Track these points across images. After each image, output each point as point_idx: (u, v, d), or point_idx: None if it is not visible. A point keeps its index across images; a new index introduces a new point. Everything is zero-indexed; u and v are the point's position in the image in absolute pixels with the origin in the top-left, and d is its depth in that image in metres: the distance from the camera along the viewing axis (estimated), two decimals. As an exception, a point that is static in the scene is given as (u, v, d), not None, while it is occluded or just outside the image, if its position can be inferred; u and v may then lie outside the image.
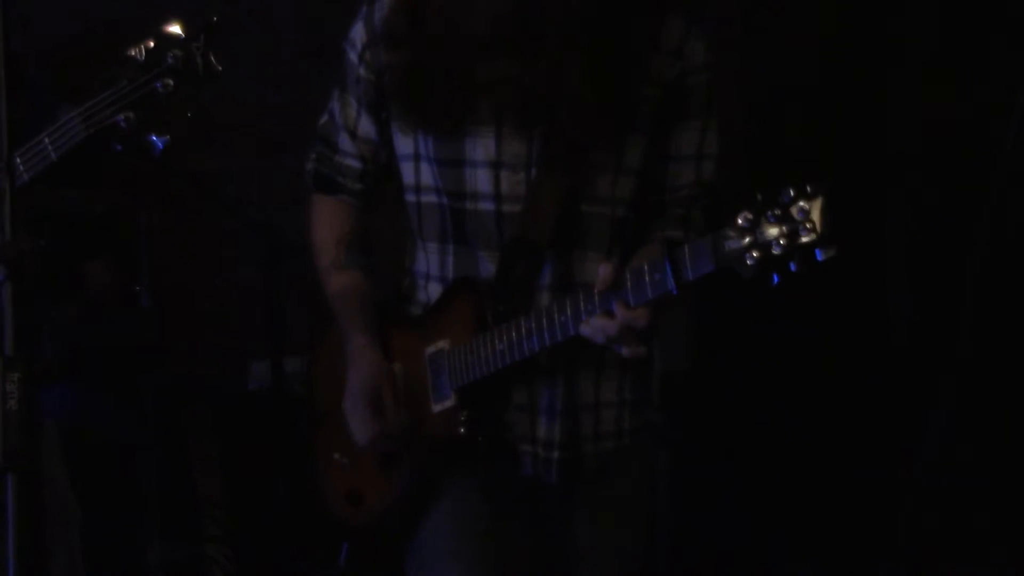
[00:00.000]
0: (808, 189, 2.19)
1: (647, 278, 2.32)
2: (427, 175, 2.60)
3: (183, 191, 3.90)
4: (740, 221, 2.23)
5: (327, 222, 2.76)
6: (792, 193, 2.19)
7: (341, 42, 2.68)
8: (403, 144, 2.63)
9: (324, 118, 2.73)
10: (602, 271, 2.37)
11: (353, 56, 2.64)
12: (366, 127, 2.68)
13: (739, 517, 4.00)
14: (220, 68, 2.37)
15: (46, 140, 2.41)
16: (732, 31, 4.12)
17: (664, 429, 2.77)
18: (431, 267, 2.66)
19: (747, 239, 2.23)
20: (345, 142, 2.70)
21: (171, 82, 2.32)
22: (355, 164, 2.70)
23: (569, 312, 2.43)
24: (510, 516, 2.63)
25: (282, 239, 3.73)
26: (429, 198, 2.62)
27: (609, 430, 2.62)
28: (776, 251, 2.19)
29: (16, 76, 2.31)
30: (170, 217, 4.07)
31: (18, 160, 2.39)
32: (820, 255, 2.18)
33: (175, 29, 2.33)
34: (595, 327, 2.37)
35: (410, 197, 2.63)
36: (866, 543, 3.90)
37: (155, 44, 2.35)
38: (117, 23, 2.56)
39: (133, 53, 2.33)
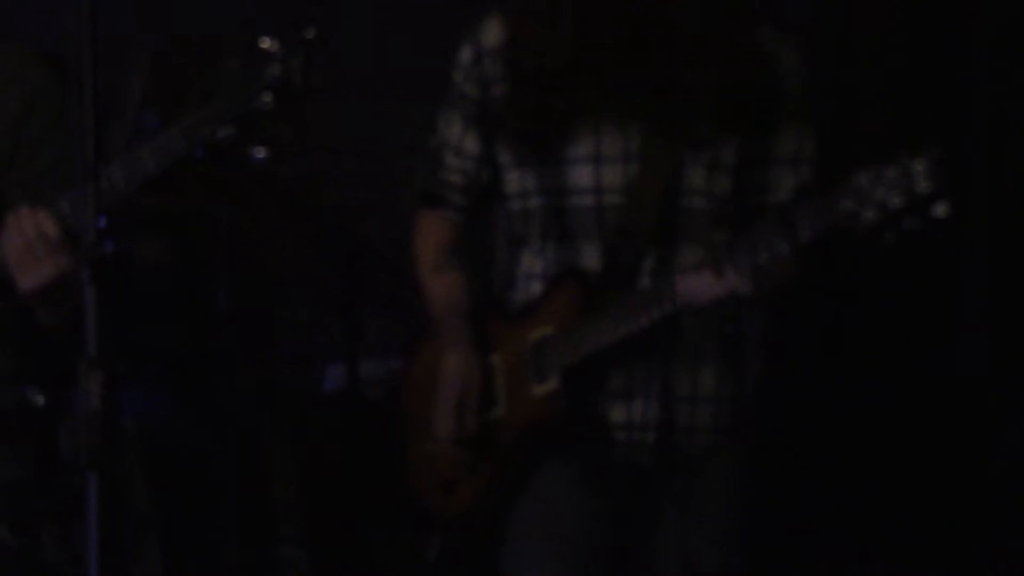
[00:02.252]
0: (922, 150, 2.21)
1: (761, 239, 2.33)
2: (531, 179, 2.64)
3: (262, 195, 3.88)
4: (857, 179, 2.23)
5: (431, 233, 2.78)
6: (907, 154, 2.21)
7: (444, 66, 2.73)
8: (507, 154, 2.68)
9: (431, 139, 2.75)
10: (717, 240, 2.49)
11: (459, 76, 2.69)
12: (470, 144, 2.72)
13: (812, 523, 3.84)
14: (317, 86, 2.33)
15: (146, 153, 2.34)
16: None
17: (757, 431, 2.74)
18: (535, 266, 2.69)
19: (862, 197, 2.24)
20: (451, 159, 2.74)
21: (270, 99, 2.28)
22: (459, 180, 2.74)
23: (676, 281, 2.46)
24: (598, 501, 2.62)
25: (359, 244, 3.71)
26: (533, 201, 2.65)
27: (706, 422, 2.62)
28: (892, 206, 2.20)
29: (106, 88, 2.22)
30: (249, 221, 4.03)
31: (118, 172, 2.35)
32: (936, 211, 2.18)
33: (273, 45, 2.29)
34: (703, 284, 2.39)
35: (516, 204, 2.68)
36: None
37: (254, 60, 2.32)
38: (215, 36, 2.55)
39: (232, 68, 2.32)
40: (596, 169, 2.58)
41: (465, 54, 2.67)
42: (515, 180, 2.65)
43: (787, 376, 3.48)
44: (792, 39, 2.60)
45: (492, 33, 2.66)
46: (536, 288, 2.65)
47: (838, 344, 3.84)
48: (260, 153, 2.32)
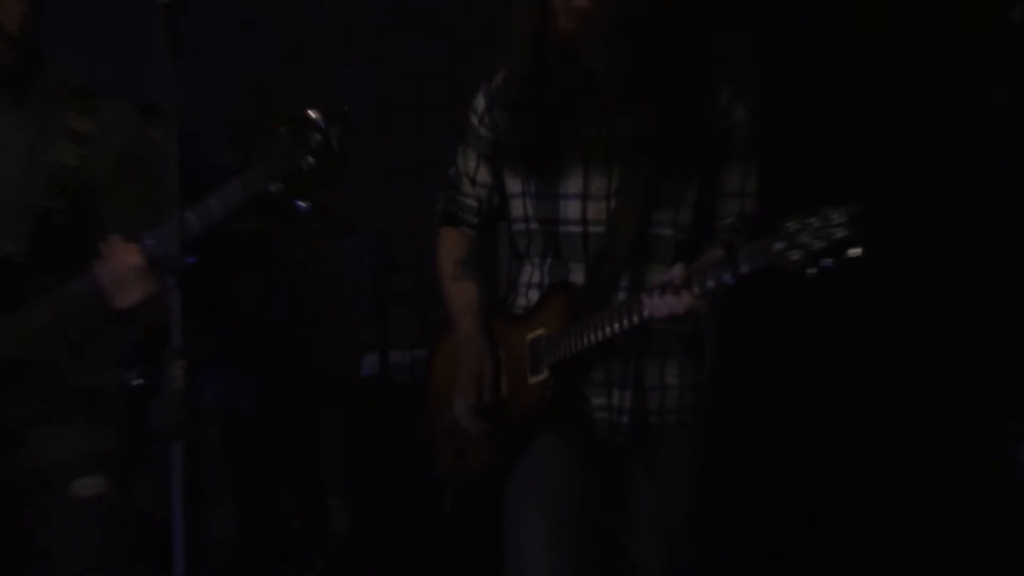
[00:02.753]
0: (841, 205, 2.23)
1: (710, 273, 2.36)
2: (531, 207, 2.66)
3: (312, 219, 3.70)
4: (787, 226, 2.26)
5: (450, 247, 2.82)
6: (829, 207, 2.24)
7: (466, 111, 2.74)
8: (513, 185, 2.68)
9: (451, 170, 2.78)
10: (675, 270, 2.42)
11: (475, 120, 2.72)
12: (483, 175, 2.74)
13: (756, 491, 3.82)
14: (350, 152, 2.29)
15: (214, 202, 2.36)
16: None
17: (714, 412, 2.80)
18: (533, 278, 2.70)
19: (792, 241, 2.27)
20: (467, 187, 2.76)
21: (312, 160, 2.28)
22: (473, 204, 2.77)
23: (643, 299, 2.46)
24: (585, 471, 2.64)
25: (388, 258, 3.71)
26: (533, 225, 2.66)
27: (672, 405, 2.65)
28: (815, 247, 2.22)
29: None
30: (301, 239, 4.06)
31: (192, 217, 2.36)
32: (850, 252, 2.21)
33: (316, 115, 2.29)
34: (665, 305, 2.41)
35: (519, 226, 2.70)
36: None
37: (300, 127, 2.31)
38: (268, 105, 2.57)
39: (283, 133, 2.31)
40: (583, 204, 2.59)
41: (480, 102, 2.70)
42: (518, 207, 2.67)
43: (739, 366, 3.49)
44: (744, 98, 2.61)
45: (499, 83, 2.68)
46: (533, 296, 2.69)
47: (776, 343, 3.80)
48: (304, 204, 2.31)
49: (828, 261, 2.23)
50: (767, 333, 3.71)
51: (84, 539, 2.61)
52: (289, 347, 4.00)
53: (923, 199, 3.66)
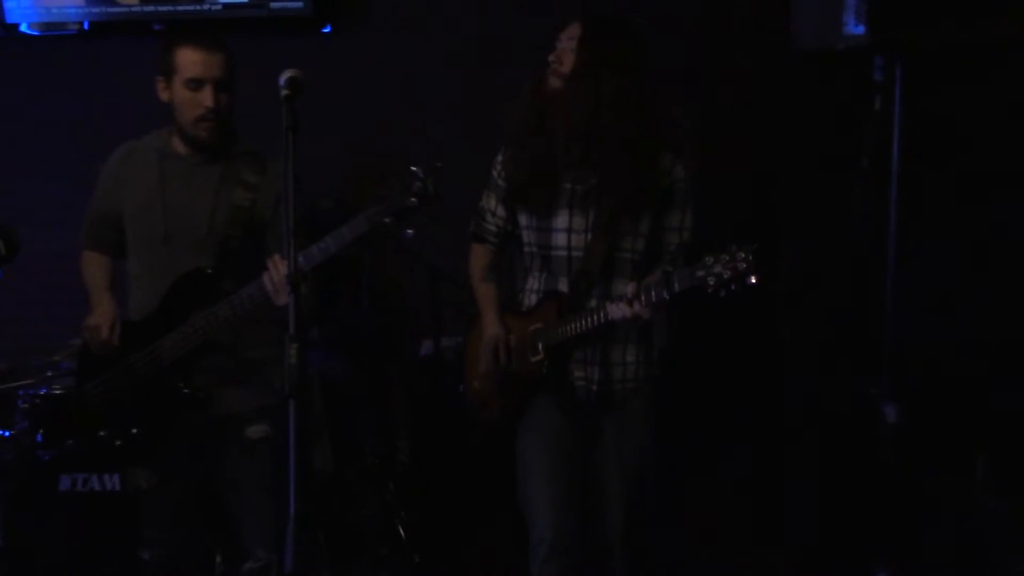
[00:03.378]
0: (744, 244, 2.36)
1: (653, 290, 2.48)
2: (532, 236, 2.74)
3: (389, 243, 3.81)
4: (705, 260, 2.39)
5: (478, 259, 2.89)
6: (735, 247, 2.36)
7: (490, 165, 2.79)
8: (521, 220, 2.76)
9: (481, 203, 2.82)
10: (629, 287, 2.52)
11: (495, 172, 2.78)
12: (500, 211, 2.81)
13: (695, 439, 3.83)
14: (439, 194, 2.43)
15: (345, 230, 2.46)
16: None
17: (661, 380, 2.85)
18: (533, 286, 2.78)
19: (708, 270, 2.37)
20: (489, 217, 2.83)
21: (415, 200, 2.41)
22: (493, 229, 2.83)
23: (607, 306, 2.56)
24: (570, 421, 2.74)
25: (439, 270, 3.68)
26: (533, 249, 2.75)
27: (630, 376, 2.74)
28: (725, 276, 2.35)
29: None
30: (377, 255, 4.02)
31: (330, 241, 2.49)
32: (751, 281, 2.34)
33: (418, 170, 2.41)
34: (621, 311, 2.51)
35: (525, 249, 2.78)
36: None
37: (408, 177, 2.42)
38: (387, 163, 2.59)
39: (394, 182, 2.43)
40: (568, 236, 2.69)
41: (498, 160, 2.78)
42: (524, 235, 2.78)
43: (679, 347, 3.55)
44: (683, 159, 2.67)
45: (506, 141, 2.76)
46: (534, 299, 2.79)
47: (706, 331, 3.76)
48: (409, 232, 2.44)
49: (733, 286, 2.36)
50: (699, 323, 3.63)
51: (254, 469, 2.73)
52: (371, 334, 3.97)
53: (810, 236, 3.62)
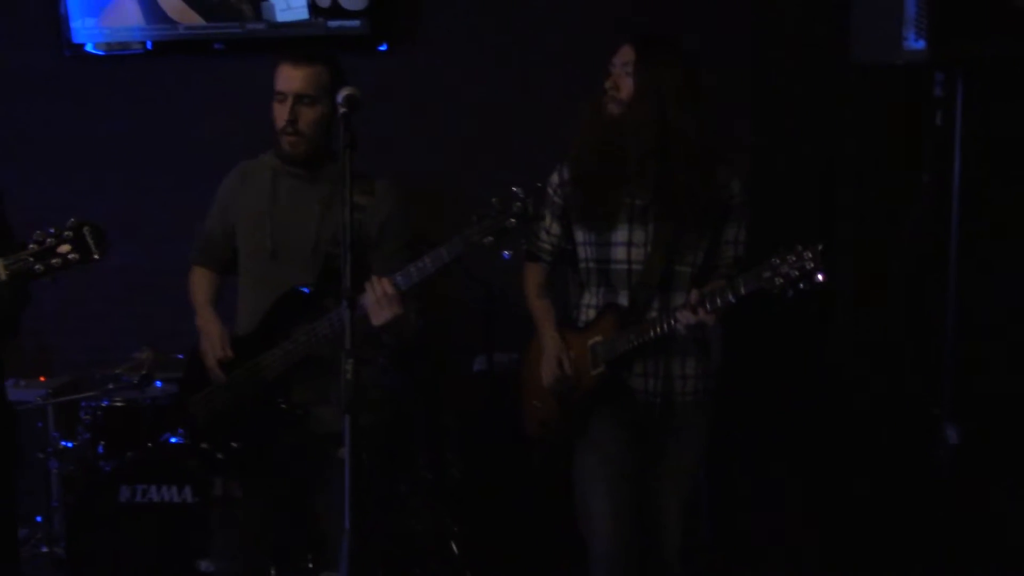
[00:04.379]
0: (809, 244, 2.36)
1: (718, 296, 2.47)
2: (591, 252, 2.74)
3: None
4: (771, 261, 2.39)
5: (533, 276, 2.90)
6: (801, 246, 2.36)
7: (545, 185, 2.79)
8: (578, 236, 2.77)
9: (535, 223, 2.80)
10: (692, 294, 2.51)
11: (550, 190, 2.79)
12: (555, 228, 2.82)
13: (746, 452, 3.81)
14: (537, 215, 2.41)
15: (443, 251, 2.46)
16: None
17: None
18: (591, 300, 2.78)
19: (775, 271, 2.37)
20: (543, 235, 2.84)
21: (514, 221, 2.38)
22: (547, 247, 2.85)
23: (668, 315, 2.58)
24: (629, 436, 2.75)
25: (492, 286, 3.72)
26: (591, 264, 2.75)
27: (690, 389, 2.74)
28: (793, 275, 2.35)
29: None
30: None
31: (428, 261, 2.48)
32: (819, 278, 2.33)
33: (518, 191, 2.38)
34: (686, 318, 2.50)
35: (582, 265, 2.78)
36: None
37: (506, 198, 2.39)
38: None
39: (495, 203, 2.39)
40: (628, 250, 2.70)
41: (554, 177, 2.79)
42: (582, 251, 2.78)
43: (735, 361, 3.54)
44: (739, 174, 2.70)
45: (567, 166, 2.76)
46: (591, 314, 2.79)
47: (762, 346, 3.80)
48: (508, 254, 2.41)
49: (801, 284, 2.36)
50: (755, 338, 3.66)
51: (340, 491, 2.56)
52: (425, 349, 3.90)
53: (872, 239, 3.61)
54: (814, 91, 3.80)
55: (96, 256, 2.20)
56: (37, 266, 2.19)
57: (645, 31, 2.70)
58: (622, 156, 2.63)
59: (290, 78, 2.71)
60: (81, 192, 4.36)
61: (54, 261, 2.19)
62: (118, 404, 3.71)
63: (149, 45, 4.27)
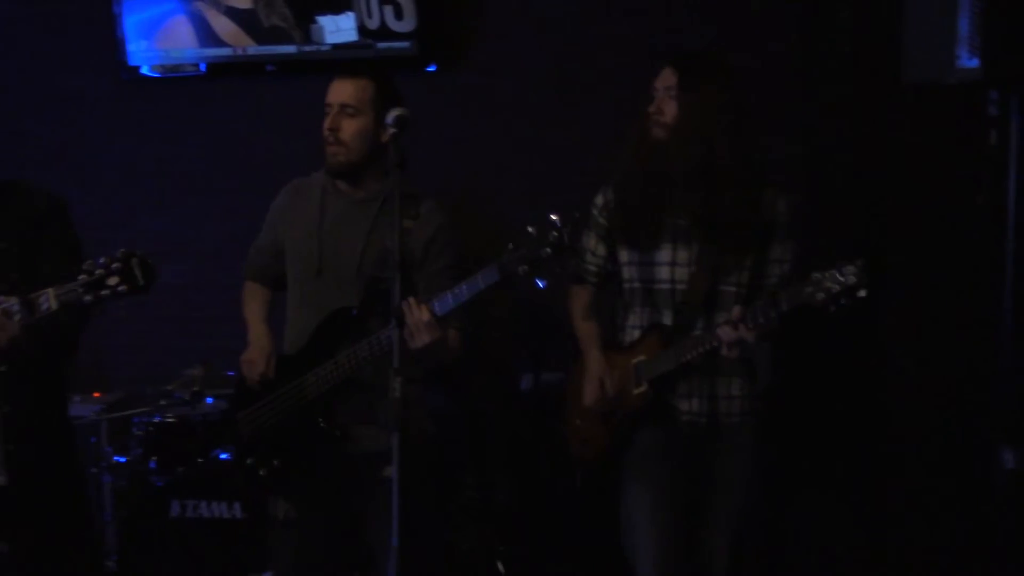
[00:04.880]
0: (851, 259, 2.38)
1: (759, 312, 2.49)
2: (635, 272, 2.76)
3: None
4: (813, 277, 2.40)
5: (578, 299, 2.92)
6: (843, 261, 2.38)
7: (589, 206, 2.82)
8: (622, 256, 2.79)
9: (579, 243, 2.77)
10: (735, 310, 2.52)
11: (595, 211, 2.81)
12: (600, 249, 2.84)
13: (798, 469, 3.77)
14: (574, 246, 2.38)
15: (479, 278, 2.45)
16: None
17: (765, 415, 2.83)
18: (635, 320, 2.79)
19: (817, 286, 2.39)
20: (589, 257, 2.86)
21: (549, 251, 2.35)
22: (593, 268, 2.86)
23: (711, 334, 2.58)
24: (674, 455, 2.75)
25: (539, 305, 3.66)
26: (636, 284, 2.77)
27: (736, 410, 2.73)
28: (835, 290, 2.36)
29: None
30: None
31: (464, 287, 2.48)
32: (861, 293, 2.34)
33: (554, 220, 2.36)
34: (727, 334, 2.51)
35: (626, 285, 2.80)
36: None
37: (543, 227, 2.37)
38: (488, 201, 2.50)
39: (531, 230, 2.38)
40: (672, 269, 2.71)
41: (599, 199, 2.81)
42: (626, 271, 2.80)
43: (785, 381, 3.48)
44: (783, 193, 2.69)
45: (611, 188, 2.77)
46: (635, 334, 2.80)
47: (811, 365, 3.76)
48: (543, 283, 2.40)
49: (843, 300, 2.36)
50: (804, 360, 3.65)
51: (386, 510, 2.49)
52: (471, 368, 3.68)
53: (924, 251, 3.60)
54: (864, 111, 3.78)
55: (143, 287, 2.22)
56: (86, 297, 2.22)
57: (688, 51, 2.71)
58: (666, 178, 2.64)
59: (335, 90, 2.77)
60: (138, 212, 4.43)
61: (103, 292, 2.21)
62: (170, 420, 3.76)
63: (203, 67, 4.35)
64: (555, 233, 2.35)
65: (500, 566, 3.66)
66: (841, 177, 3.85)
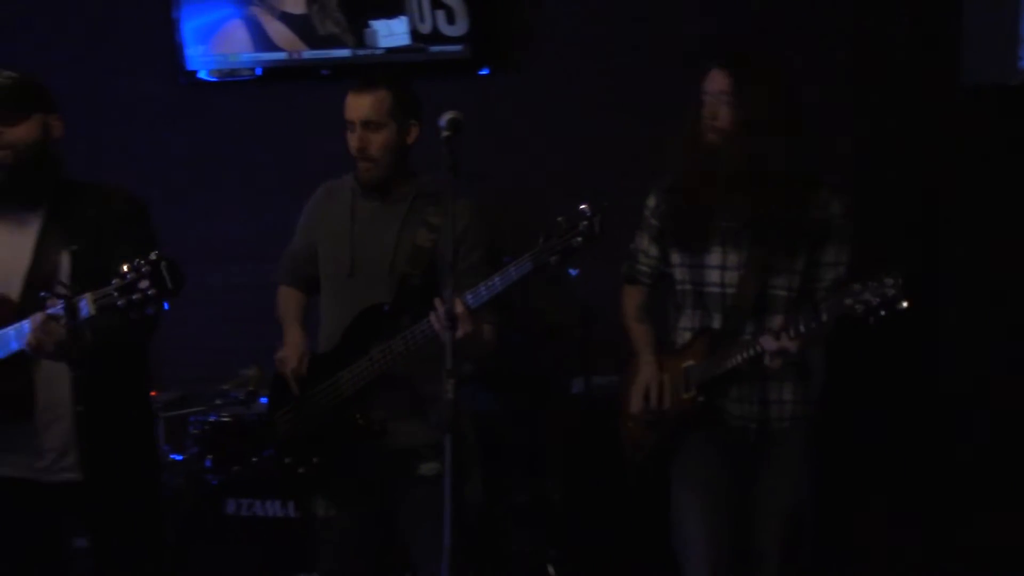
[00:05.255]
0: (892, 271, 2.34)
1: (801, 322, 2.48)
2: (686, 274, 2.76)
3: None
4: (853, 288, 2.38)
5: (631, 299, 2.93)
6: (883, 273, 2.35)
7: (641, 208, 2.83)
8: (674, 258, 2.79)
9: (632, 246, 2.87)
10: (776, 320, 2.56)
11: (647, 213, 2.82)
12: (653, 251, 2.85)
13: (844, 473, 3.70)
14: (603, 234, 2.39)
15: (512, 269, 2.47)
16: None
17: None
18: (686, 322, 2.79)
19: (856, 297, 2.36)
20: (642, 258, 2.87)
21: (580, 240, 2.37)
22: (646, 269, 2.87)
23: (759, 339, 2.57)
24: (725, 462, 2.74)
25: (592, 307, 3.68)
26: (687, 287, 2.76)
27: (787, 415, 2.72)
28: (874, 303, 2.34)
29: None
30: (529, 292, 3.91)
31: (498, 279, 2.50)
32: (902, 305, 2.31)
33: (585, 209, 2.38)
34: (769, 344, 2.51)
35: (678, 287, 2.79)
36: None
37: (573, 217, 2.39)
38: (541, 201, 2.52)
39: (561, 220, 2.39)
40: (721, 273, 2.71)
41: (650, 200, 2.82)
42: (678, 273, 2.79)
43: (837, 386, 3.50)
44: (838, 194, 2.66)
45: (663, 188, 2.78)
46: (686, 336, 2.80)
47: (868, 369, 3.74)
48: (575, 271, 2.45)
49: (883, 311, 2.34)
50: (860, 365, 3.59)
51: (427, 506, 2.61)
52: (523, 370, 3.98)
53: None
54: (921, 112, 3.77)
55: (171, 290, 2.21)
56: (120, 301, 2.22)
57: (737, 52, 2.67)
58: (718, 180, 2.63)
59: (355, 106, 2.78)
60: (196, 214, 4.50)
61: (135, 297, 2.20)
62: (225, 419, 3.81)
63: (259, 72, 4.43)
64: (585, 223, 2.38)
65: (551, 569, 3.67)
66: (899, 179, 3.83)
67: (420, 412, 2.79)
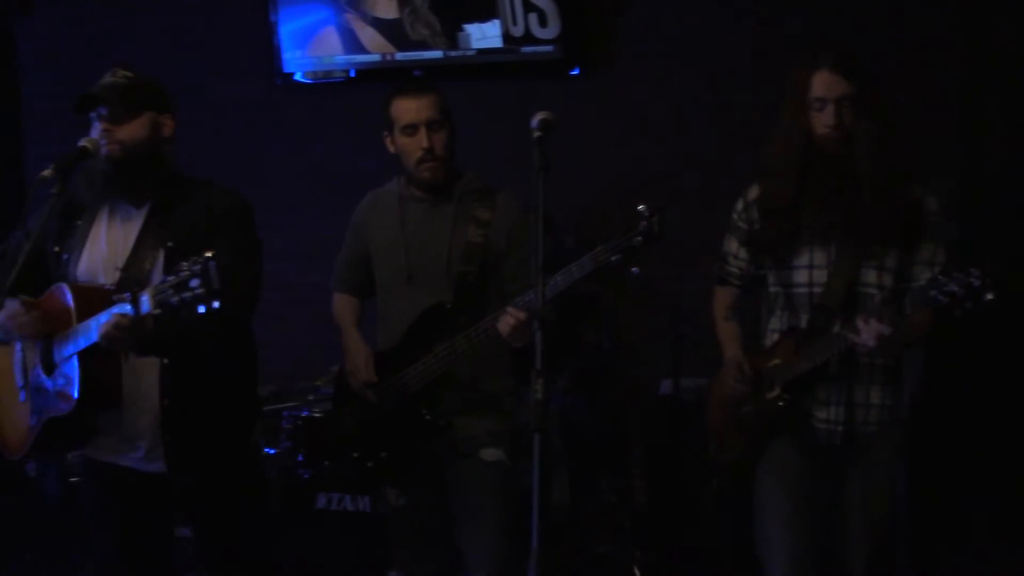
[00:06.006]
0: (978, 265, 2.33)
1: (885, 314, 2.47)
2: (774, 276, 2.78)
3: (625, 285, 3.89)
4: (938, 279, 2.37)
5: (721, 300, 2.95)
6: (970, 267, 2.33)
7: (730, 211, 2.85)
8: (764, 262, 2.81)
9: (723, 246, 2.89)
10: (860, 316, 2.50)
11: (735, 216, 2.84)
12: (741, 253, 2.87)
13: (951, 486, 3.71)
14: (664, 234, 2.40)
15: (573, 268, 2.50)
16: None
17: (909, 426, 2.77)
18: (775, 324, 2.81)
19: (940, 288, 2.36)
20: (731, 260, 2.89)
21: (640, 239, 2.40)
22: (735, 271, 2.89)
23: (844, 336, 2.56)
24: (811, 464, 2.73)
25: (680, 310, 3.72)
26: (776, 288, 2.78)
27: (874, 419, 2.70)
28: (959, 294, 2.33)
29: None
30: (619, 298, 4.10)
31: (559, 278, 2.51)
32: (987, 297, 2.30)
33: (644, 209, 2.41)
34: (864, 330, 2.48)
35: (771, 288, 2.81)
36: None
37: (632, 217, 2.41)
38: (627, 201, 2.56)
39: (621, 222, 2.42)
40: (809, 273, 2.71)
41: (739, 203, 2.84)
42: (769, 276, 2.80)
43: (936, 391, 3.49)
44: (934, 192, 2.65)
45: (752, 191, 2.80)
46: (775, 337, 2.82)
47: (965, 372, 3.71)
48: (636, 270, 2.42)
49: (968, 304, 2.33)
50: (960, 369, 3.62)
51: (487, 490, 2.78)
52: (611, 372, 4.03)
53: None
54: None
55: (218, 291, 2.20)
56: (174, 298, 2.22)
57: (840, 51, 2.64)
58: (809, 180, 2.63)
59: (417, 109, 2.83)
60: (290, 212, 4.65)
61: (186, 295, 2.20)
62: (316, 415, 3.89)
63: (352, 73, 4.56)
64: (644, 223, 2.40)
65: (636, 571, 3.69)
66: (996, 180, 3.80)
67: (484, 407, 2.85)
